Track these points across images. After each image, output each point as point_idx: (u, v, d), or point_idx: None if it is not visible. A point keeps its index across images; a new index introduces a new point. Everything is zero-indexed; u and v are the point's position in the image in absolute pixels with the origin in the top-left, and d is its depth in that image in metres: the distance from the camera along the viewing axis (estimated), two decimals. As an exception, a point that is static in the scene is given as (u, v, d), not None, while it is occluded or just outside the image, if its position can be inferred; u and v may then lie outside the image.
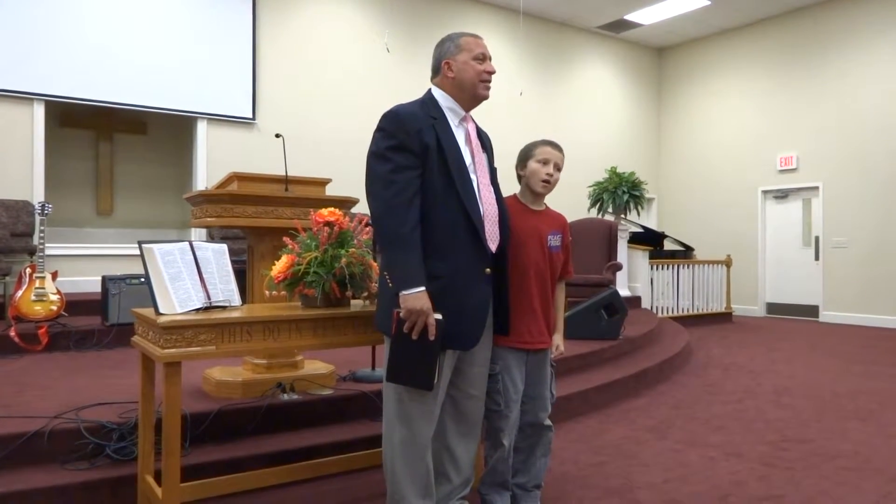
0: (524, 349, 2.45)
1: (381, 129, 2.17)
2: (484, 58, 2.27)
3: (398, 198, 2.07)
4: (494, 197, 2.29)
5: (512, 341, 2.42)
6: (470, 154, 2.26)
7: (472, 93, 2.28)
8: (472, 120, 2.36)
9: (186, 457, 2.72)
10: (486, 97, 2.32)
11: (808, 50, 10.08)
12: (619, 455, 3.41)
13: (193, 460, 2.74)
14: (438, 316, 2.07)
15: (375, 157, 2.14)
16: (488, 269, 2.21)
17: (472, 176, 2.23)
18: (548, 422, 2.56)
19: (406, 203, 2.08)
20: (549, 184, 2.47)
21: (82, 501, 2.50)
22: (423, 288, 2.05)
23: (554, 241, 2.51)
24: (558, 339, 2.59)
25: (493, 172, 2.39)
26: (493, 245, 2.24)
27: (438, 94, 2.30)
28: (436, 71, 2.32)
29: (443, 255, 2.14)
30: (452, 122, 2.26)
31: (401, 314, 2.06)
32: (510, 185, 2.57)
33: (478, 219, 2.18)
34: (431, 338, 2.05)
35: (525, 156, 2.51)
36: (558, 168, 2.49)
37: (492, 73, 2.29)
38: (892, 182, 9.12)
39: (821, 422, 4.10)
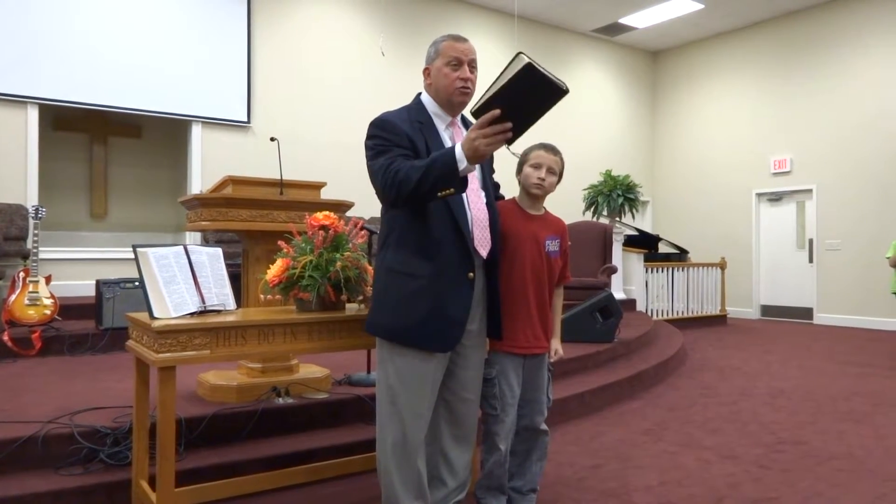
0: (521, 354, 2.45)
1: (370, 137, 2.17)
2: (459, 63, 2.19)
3: (401, 172, 2.01)
4: (485, 202, 2.28)
5: (509, 346, 2.42)
6: None
7: (446, 99, 2.23)
8: (462, 125, 2.35)
9: (181, 461, 2.72)
10: (462, 103, 2.25)
11: (801, 53, 10.13)
12: (614, 458, 3.41)
13: (188, 465, 2.73)
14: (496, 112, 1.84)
15: (371, 164, 2.14)
16: (471, 274, 2.20)
17: None
18: (544, 426, 2.55)
19: (407, 168, 2.01)
20: (542, 187, 2.46)
21: (76, 507, 2.49)
22: (458, 150, 1.91)
23: (552, 245, 2.50)
24: (556, 344, 2.59)
25: (487, 176, 2.38)
26: (483, 251, 2.23)
27: (426, 99, 2.29)
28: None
29: (426, 257, 2.13)
30: (439, 126, 2.25)
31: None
32: (508, 191, 2.57)
33: (464, 224, 2.17)
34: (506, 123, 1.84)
35: (522, 160, 2.51)
36: (552, 171, 2.46)
37: (465, 78, 2.19)
38: (885, 184, 9.17)
39: (815, 424, 4.11)
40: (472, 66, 2.23)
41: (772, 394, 4.95)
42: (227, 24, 7.75)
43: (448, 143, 2.22)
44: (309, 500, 2.77)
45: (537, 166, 2.46)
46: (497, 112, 1.82)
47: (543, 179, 2.45)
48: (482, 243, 2.22)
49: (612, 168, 8.76)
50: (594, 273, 6.76)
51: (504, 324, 2.38)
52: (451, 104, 2.25)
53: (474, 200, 2.23)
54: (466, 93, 2.23)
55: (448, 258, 2.15)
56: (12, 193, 6.53)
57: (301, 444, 3.05)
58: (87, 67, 6.90)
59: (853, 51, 9.53)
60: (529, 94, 1.89)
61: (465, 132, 2.31)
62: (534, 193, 2.48)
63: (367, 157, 2.17)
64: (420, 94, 2.32)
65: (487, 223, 2.25)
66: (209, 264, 2.53)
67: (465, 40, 2.25)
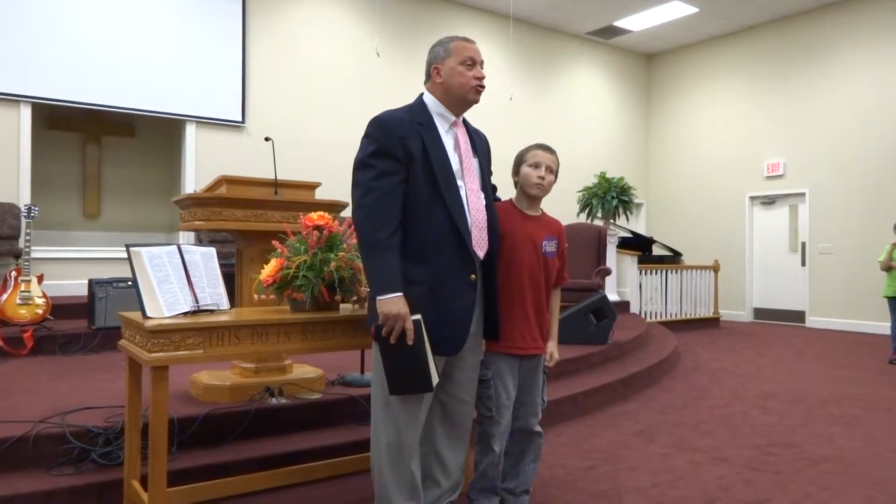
0: (517, 355, 2.45)
1: (366, 136, 2.18)
2: (473, 62, 2.25)
3: (377, 204, 2.08)
4: (484, 203, 2.28)
5: (505, 347, 2.42)
6: (458, 160, 2.25)
7: (460, 98, 2.25)
8: (464, 125, 2.35)
9: (173, 461, 2.71)
10: (475, 102, 2.29)
11: (794, 57, 10.18)
12: (607, 460, 3.42)
13: (180, 465, 2.72)
14: (417, 316, 2.07)
15: (359, 163, 2.16)
16: (473, 276, 2.21)
17: (460, 182, 2.22)
18: (538, 428, 2.55)
19: (385, 209, 2.09)
20: (542, 186, 2.46)
21: (67, 507, 2.48)
22: (399, 293, 2.05)
23: (549, 246, 2.50)
24: (552, 347, 2.56)
25: (486, 177, 2.38)
26: (481, 252, 2.24)
27: (429, 98, 2.29)
28: (428, 75, 2.31)
29: (427, 261, 2.14)
30: (441, 127, 2.25)
31: (378, 320, 2.06)
32: (504, 192, 2.57)
33: (464, 226, 2.18)
34: (410, 341, 2.05)
35: (518, 161, 2.52)
36: (551, 170, 2.47)
37: (481, 77, 2.26)
38: (877, 189, 9.22)
39: (807, 426, 4.13)
40: (482, 66, 2.30)
41: (764, 396, 4.97)
42: (221, 23, 7.73)
43: (449, 145, 2.24)
44: (302, 501, 2.76)
45: (536, 165, 2.46)
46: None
47: (543, 178, 2.45)
48: (479, 244, 2.23)
49: (606, 170, 8.80)
50: (588, 275, 6.78)
51: (501, 325, 2.38)
52: (465, 102, 2.27)
53: (474, 202, 2.24)
54: (481, 91, 2.28)
55: (448, 261, 2.16)
56: (4, 192, 6.49)
57: (294, 444, 3.05)
58: (81, 66, 6.87)
59: (846, 55, 9.58)
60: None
61: (466, 134, 2.33)
62: (534, 194, 2.48)
63: (357, 152, 2.19)
64: (422, 94, 2.32)
65: (486, 224, 2.26)
66: (203, 264, 2.52)
67: (473, 41, 2.31)
